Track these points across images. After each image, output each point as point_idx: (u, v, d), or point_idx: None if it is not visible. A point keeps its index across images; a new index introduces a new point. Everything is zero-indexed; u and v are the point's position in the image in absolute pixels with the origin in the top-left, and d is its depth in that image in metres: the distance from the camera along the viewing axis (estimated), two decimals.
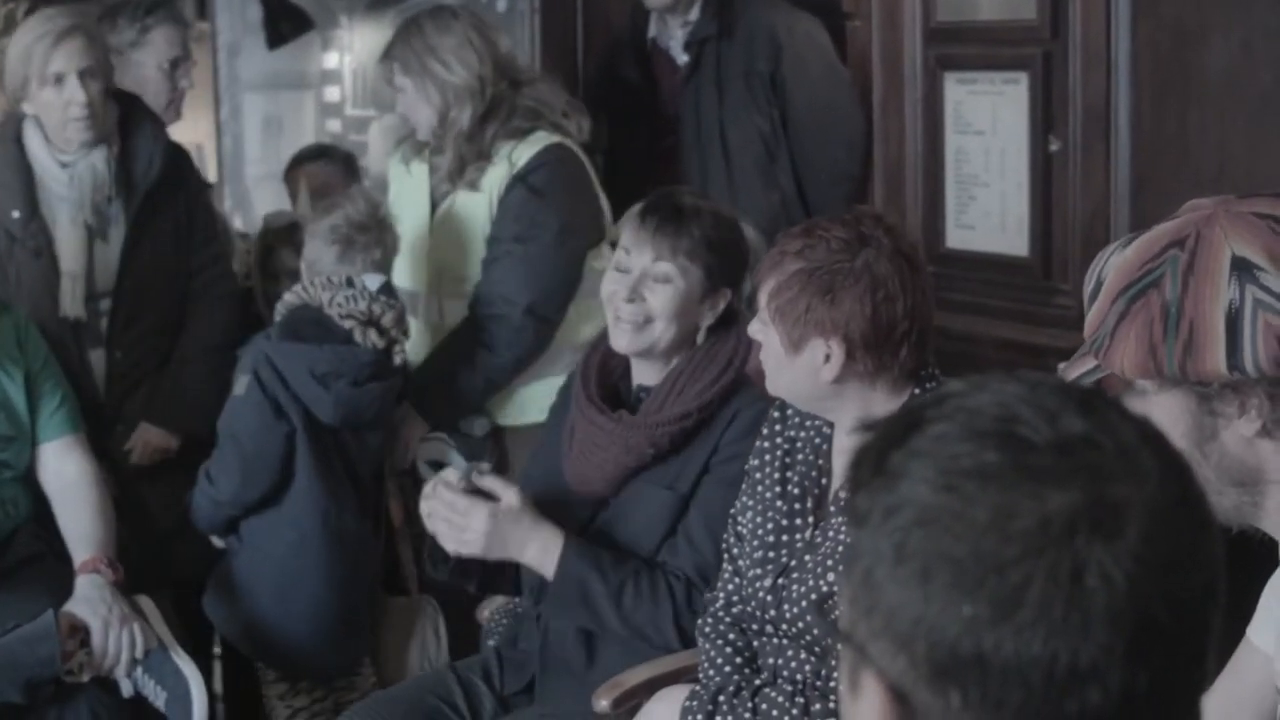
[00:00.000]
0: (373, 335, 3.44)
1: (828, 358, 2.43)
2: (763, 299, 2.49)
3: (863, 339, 2.42)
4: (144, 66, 4.23)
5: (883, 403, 2.46)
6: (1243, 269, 1.64)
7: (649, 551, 2.88)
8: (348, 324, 3.42)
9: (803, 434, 2.63)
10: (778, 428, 2.66)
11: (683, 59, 4.27)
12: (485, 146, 3.75)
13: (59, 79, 3.62)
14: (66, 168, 3.68)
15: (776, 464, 2.63)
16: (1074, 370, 1.71)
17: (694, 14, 4.22)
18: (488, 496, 2.87)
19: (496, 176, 3.76)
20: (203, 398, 3.72)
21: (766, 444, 2.66)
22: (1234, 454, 1.66)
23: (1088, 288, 1.76)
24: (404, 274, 3.81)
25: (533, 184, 3.72)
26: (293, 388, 3.41)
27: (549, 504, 2.97)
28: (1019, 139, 3.56)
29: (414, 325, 3.76)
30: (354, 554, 3.53)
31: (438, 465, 3.71)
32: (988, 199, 3.66)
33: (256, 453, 3.41)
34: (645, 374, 2.97)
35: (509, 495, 2.87)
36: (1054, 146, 3.48)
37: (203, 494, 3.49)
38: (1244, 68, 3.12)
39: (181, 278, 3.83)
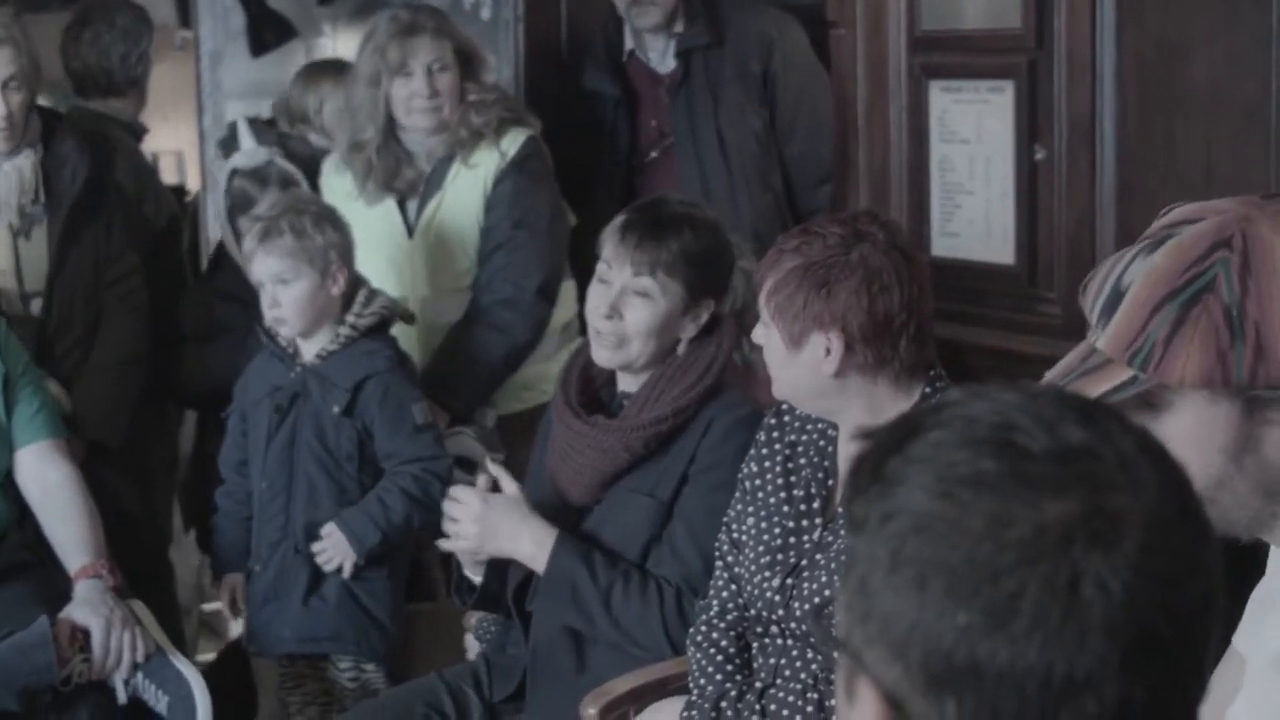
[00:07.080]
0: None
1: (828, 351, 2.45)
2: (762, 299, 2.51)
3: (860, 331, 2.43)
4: None
5: (888, 399, 2.48)
6: None
7: (634, 558, 2.88)
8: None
9: (804, 438, 2.64)
10: (775, 434, 2.67)
11: (665, 69, 4.26)
12: (486, 125, 3.88)
13: None
14: None
15: (778, 469, 2.63)
16: (1097, 386, 1.60)
17: (679, 26, 4.22)
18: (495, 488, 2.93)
19: (489, 165, 3.88)
20: (115, 407, 3.85)
21: (765, 450, 2.66)
22: (1275, 464, 1.59)
23: (1098, 299, 1.67)
24: (386, 282, 3.81)
25: (528, 172, 3.89)
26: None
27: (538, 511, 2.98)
28: (1004, 147, 3.57)
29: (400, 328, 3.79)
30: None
31: (465, 461, 3.72)
32: (973, 207, 3.67)
33: None
34: (629, 381, 2.98)
35: (509, 485, 2.91)
36: (1039, 155, 3.48)
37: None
38: (1229, 78, 3.13)
39: (100, 290, 3.88)
